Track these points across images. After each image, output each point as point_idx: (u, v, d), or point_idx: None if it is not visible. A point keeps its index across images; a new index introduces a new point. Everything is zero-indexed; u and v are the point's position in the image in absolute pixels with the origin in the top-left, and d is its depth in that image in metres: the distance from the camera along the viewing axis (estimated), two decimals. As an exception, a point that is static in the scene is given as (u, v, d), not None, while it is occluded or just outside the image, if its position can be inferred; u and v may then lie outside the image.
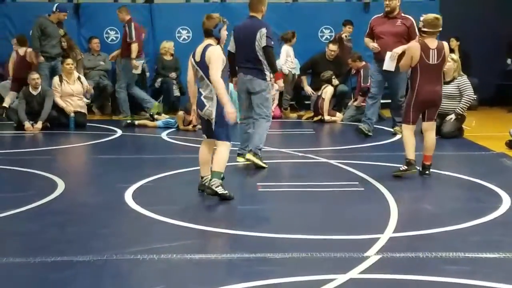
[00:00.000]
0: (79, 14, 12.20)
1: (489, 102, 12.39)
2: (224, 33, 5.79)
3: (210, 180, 5.74)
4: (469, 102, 9.02)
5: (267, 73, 7.06)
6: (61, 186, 6.20)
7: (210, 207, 5.72)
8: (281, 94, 10.90)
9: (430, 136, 6.56)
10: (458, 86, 8.93)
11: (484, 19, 12.49)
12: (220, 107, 5.66)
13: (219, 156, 5.75)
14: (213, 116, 5.70)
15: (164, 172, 6.78)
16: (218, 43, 5.79)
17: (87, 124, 10.19)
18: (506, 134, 8.29)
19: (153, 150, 8.37)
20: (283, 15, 11.89)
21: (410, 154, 6.43)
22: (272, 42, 6.97)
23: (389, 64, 8.51)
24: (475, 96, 11.47)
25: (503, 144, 8.15)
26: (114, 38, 12.24)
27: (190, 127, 9.61)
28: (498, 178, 6.45)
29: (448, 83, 8.90)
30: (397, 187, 6.13)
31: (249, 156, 6.96)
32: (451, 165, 7.36)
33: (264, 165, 6.95)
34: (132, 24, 10.78)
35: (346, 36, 11.67)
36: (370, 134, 8.96)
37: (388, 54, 8.48)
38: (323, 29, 12.38)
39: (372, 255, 4.26)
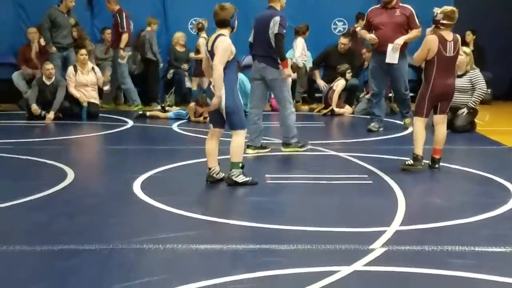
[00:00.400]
0: (92, 4, 12.24)
1: (504, 96, 12.28)
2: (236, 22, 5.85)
3: (230, 171, 5.81)
4: (482, 96, 8.95)
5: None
6: (70, 175, 6.24)
7: (217, 198, 5.74)
8: (293, 86, 10.86)
9: (441, 130, 6.52)
10: (471, 79, 8.86)
11: (500, 12, 12.38)
12: (230, 96, 5.68)
13: (235, 145, 5.79)
14: (223, 105, 5.71)
15: (174, 163, 6.80)
16: (232, 32, 5.83)
17: (100, 114, 10.24)
18: (519, 129, 8.23)
19: (163, 141, 8.39)
20: (296, 7, 11.80)
21: (419, 149, 6.39)
22: (284, 31, 7.02)
23: (392, 56, 8.33)
24: (488, 90, 11.41)
25: (516, 138, 8.11)
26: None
27: (201, 118, 9.62)
28: (508, 172, 6.38)
29: (460, 76, 8.80)
30: (406, 180, 6.10)
31: (283, 149, 7.38)
32: (462, 159, 7.31)
33: (301, 149, 7.36)
34: (124, 14, 10.79)
35: (359, 29, 11.59)
36: (381, 129, 8.89)
37: (390, 46, 8.28)
38: (336, 22, 12.34)
39: (378, 248, 4.25)
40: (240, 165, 5.86)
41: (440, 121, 6.53)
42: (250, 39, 7.35)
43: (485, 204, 5.29)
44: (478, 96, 8.84)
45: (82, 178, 6.33)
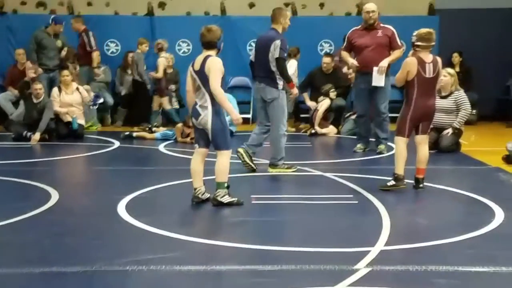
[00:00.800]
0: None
1: (489, 117, 12.39)
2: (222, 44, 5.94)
3: (215, 191, 5.82)
4: (466, 117, 9.02)
5: (280, 82, 7.28)
6: (55, 197, 6.20)
7: (202, 218, 5.72)
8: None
9: (423, 150, 6.55)
10: (456, 100, 8.93)
11: (485, 34, 12.54)
12: (217, 116, 5.72)
13: (220, 166, 5.81)
14: (209, 125, 5.73)
15: (160, 184, 6.79)
16: (217, 53, 5.90)
17: (86, 136, 10.22)
18: (503, 149, 8.27)
19: (149, 162, 8.37)
20: (282, 28, 11.92)
21: (400, 168, 6.41)
22: (285, 54, 7.27)
23: (378, 79, 8.33)
24: (474, 110, 11.52)
25: (500, 158, 8.14)
26: (115, 50, 12.31)
27: (188, 139, 9.62)
28: (492, 192, 6.42)
29: (445, 97, 8.91)
30: (391, 200, 6.12)
31: (270, 170, 7.43)
32: (447, 179, 7.33)
33: (288, 170, 7.42)
34: (90, 32, 10.87)
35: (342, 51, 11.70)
36: (367, 150, 8.88)
37: (375, 69, 8.29)
38: (323, 43, 12.42)
39: (362, 268, 4.24)
40: (226, 185, 5.86)
41: (422, 141, 6.56)
42: (252, 57, 7.58)
43: (469, 224, 5.31)
44: (463, 117, 8.91)
45: (66, 199, 6.29)
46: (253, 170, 7.38)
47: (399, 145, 6.45)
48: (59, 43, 10.92)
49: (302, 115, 11.84)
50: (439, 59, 6.48)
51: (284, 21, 7.34)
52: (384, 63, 8.31)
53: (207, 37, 5.83)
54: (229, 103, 5.85)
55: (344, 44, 8.87)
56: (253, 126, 8.38)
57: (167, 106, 11.28)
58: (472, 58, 12.29)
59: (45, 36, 10.67)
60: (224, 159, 5.82)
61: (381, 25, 8.62)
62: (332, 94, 10.83)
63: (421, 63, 6.32)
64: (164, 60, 11.18)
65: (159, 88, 11.18)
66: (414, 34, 6.41)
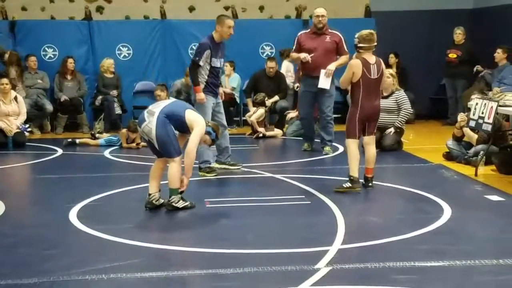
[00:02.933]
0: (14, 32, 11.93)
1: (425, 116, 12.78)
2: None
3: (169, 197, 5.84)
4: (407, 116, 9.29)
5: (201, 85, 7.31)
6: (1, 208, 6.02)
7: (158, 224, 5.68)
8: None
9: (371, 150, 6.71)
10: (396, 100, 9.18)
11: (418, 35, 12.92)
12: (164, 127, 5.68)
13: (172, 172, 5.79)
14: (153, 133, 5.69)
15: (109, 191, 6.69)
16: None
17: (27, 143, 9.95)
18: (442, 146, 8.56)
19: (96, 169, 8.23)
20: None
21: (355, 171, 6.50)
22: (197, 58, 7.26)
23: (324, 82, 8.48)
24: (412, 110, 11.86)
25: (441, 155, 8.42)
26: (52, 56, 12.03)
27: (133, 144, 9.53)
28: (438, 188, 6.65)
29: (386, 97, 9.15)
30: (342, 199, 6.23)
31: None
32: (393, 177, 7.54)
33: (209, 175, 7.42)
34: None
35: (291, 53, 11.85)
36: (313, 146, 9.09)
37: (323, 72, 8.43)
38: (264, 46, 12.51)
39: (323, 267, 4.31)
40: (179, 191, 5.85)
41: (370, 142, 6.71)
42: None
43: (420, 220, 5.47)
44: (404, 116, 9.17)
45: (14, 210, 6.12)
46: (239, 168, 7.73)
47: (351, 147, 6.54)
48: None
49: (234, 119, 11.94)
50: (381, 60, 6.64)
51: (220, 29, 7.32)
52: (332, 66, 8.47)
53: None
54: (191, 170, 5.89)
55: (294, 47, 8.96)
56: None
57: None
58: (406, 59, 12.64)
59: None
60: (175, 165, 5.80)
61: (330, 30, 8.79)
62: (268, 102, 11.01)
63: (366, 64, 6.43)
64: None
65: None
66: (356, 36, 6.51)
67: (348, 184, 6.50)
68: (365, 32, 6.51)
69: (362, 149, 6.96)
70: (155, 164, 5.95)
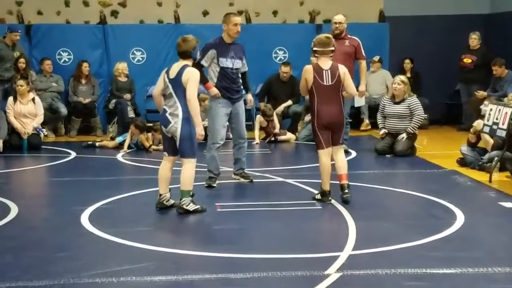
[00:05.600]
0: (30, 35, 12.02)
1: (440, 121, 12.70)
2: (198, 54, 6.08)
3: (180, 199, 5.82)
4: (420, 121, 9.23)
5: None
6: (14, 210, 6.06)
7: (168, 228, 5.69)
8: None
9: (340, 156, 6.32)
10: (409, 106, 9.14)
11: (432, 40, 12.84)
12: (186, 125, 5.75)
13: (185, 174, 5.81)
14: (178, 133, 5.76)
15: (121, 194, 6.72)
16: (193, 63, 5.99)
17: (41, 146, 10.00)
18: (456, 152, 8.50)
19: (108, 172, 8.26)
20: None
21: (326, 184, 6.24)
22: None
23: (359, 101, 9.20)
24: (425, 115, 11.80)
25: (454, 161, 8.36)
26: (67, 60, 12.10)
27: (125, 146, 9.62)
28: (451, 195, 6.60)
29: (398, 103, 9.14)
30: (354, 205, 6.18)
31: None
32: (406, 183, 7.50)
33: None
34: None
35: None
36: None
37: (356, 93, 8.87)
38: (277, 50, 12.51)
39: (333, 273, 4.29)
40: (191, 193, 5.86)
41: (338, 151, 6.33)
42: None
43: (432, 227, 5.43)
44: (417, 122, 9.12)
45: (26, 212, 6.15)
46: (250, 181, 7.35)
47: (322, 159, 6.24)
48: (16, 54, 10.70)
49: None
50: (340, 66, 6.25)
51: (226, 27, 7.09)
52: (362, 87, 8.92)
53: (182, 47, 5.91)
54: (199, 116, 5.80)
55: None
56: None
57: None
58: (421, 64, 12.57)
59: (3, 47, 10.45)
60: (189, 167, 5.82)
61: (348, 35, 9.08)
62: (281, 106, 11.06)
63: (318, 70, 6.15)
64: None
65: None
66: (313, 40, 6.30)
67: (318, 196, 6.31)
68: (321, 36, 6.33)
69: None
70: (163, 165, 5.99)
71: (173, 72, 5.84)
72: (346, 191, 6.23)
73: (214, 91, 7.02)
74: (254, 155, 9.26)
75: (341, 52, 8.70)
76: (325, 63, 6.20)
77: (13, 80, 10.51)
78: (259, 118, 10.71)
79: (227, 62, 7.06)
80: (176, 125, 5.78)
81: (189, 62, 5.89)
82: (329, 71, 6.16)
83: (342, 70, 6.23)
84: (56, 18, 12.55)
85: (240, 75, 7.22)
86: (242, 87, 7.29)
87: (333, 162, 6.35)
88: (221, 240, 5.21)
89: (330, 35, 6.38)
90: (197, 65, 6.82)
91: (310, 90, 6.18)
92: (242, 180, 7.37)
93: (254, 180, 7.41)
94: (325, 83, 6.14)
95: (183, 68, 5.81)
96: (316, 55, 6.24)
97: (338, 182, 6.32)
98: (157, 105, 6.12)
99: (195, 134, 5.82)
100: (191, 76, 5.75)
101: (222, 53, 7.03)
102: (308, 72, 6.16)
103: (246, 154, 7.39)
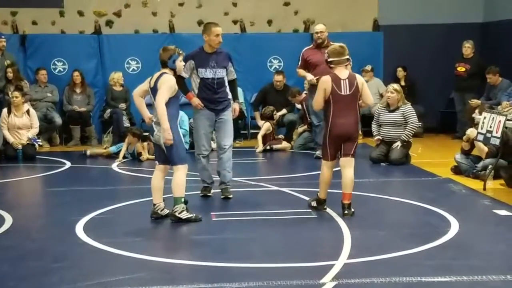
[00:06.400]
0: (25, 45, 12.04)
1: (435, 129, 12.74)
2: (179, 64, 5.99)
3: (173, 207, 5.81)
4: (414, 129, 9.27)
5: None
6: (8, 221, 6.05)
7: (163, 238, 5.68)
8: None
9: (348, 173, 6.09)
10: (403, 114, 9.17)
11: (426, 48, 12.91)
12: (172, 133, 5.74)
13: (176, 181, 5.82)
14: (161, 141, 5.80)
15: (115, 204, 6.71)
16: (175, 73, 5.95)
17: (36, 156, 10.00)
18: (451, 160, 8.52)
19: (103, 182, 8.26)
20: (232, 45, 11.96)
21: (323, 193, 6.20)
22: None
23: None
24: (420, 123, 11.85)
25: (449, 169, 8.38)
26: (62, 70, 12.12)
27: (121, 154, 9.63)
28: (445, 203, 6.61)
29: (393, 111, 9.18)
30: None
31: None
32: (400, 191, 7.51)
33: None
34: None
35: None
36: None
37: None
38: (272, 59, 12.55)
39: (328, 282, 4.29)
40: (183, 200, 5.86)
41: (347, 164, 6.10)
42: None
43: (427, 235, 5.44)
44: (411, 130, 9.15)
45: (21, 222, 6.14)
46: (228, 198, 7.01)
47: (323, 169, 6.17)
48: (7, 62, 10.69)
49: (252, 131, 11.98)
50: (357, 76, 6.18)
51: (208, 38, 6.84)
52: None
53: (160, 56, 6.00)
54: (166, 121, 5.70)
55: (299, 63, 9.38)
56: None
57: None
58: (415, 72, 12.62)
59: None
60: (179, 174, 5.83)
61: (331, 43, 8.85)
62: (276, 116, 11.08)
63: (336, 79, 6.02)
64: None
65: None
66: (326, 51, 6.19)
67: (314, 204, 6.29)
68: (335, 46, 6.21)
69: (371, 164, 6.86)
70: (155, 174, 6.01)
71: (153, 81, 5.90)
72: (346, 211, 6.08)
73: (195, 101, 6.87)
74: (250, 163, 9.26)
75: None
76: (342, 73, 6.07)
77: (5, 90, 10.50)
78: (266, 126, 10.71)
79: (206, 73, 6.82)
80: (159, 133, 5.79)
81: (168, 70, 5.91)
82: (347, 80, 6.03)
83: (360, 80, 6.14)
84: (51, 28, 12.59)
85: (226, 84, 6.99)
86: (229, 96, 7.02)
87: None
88: (216, 249, 5.20)
89: (343, 44, 6.21)
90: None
91: (326, 101, 6.04)
92: (223, 196, 7.01)
93: (250, 189, 7.40)
94: (342, 93, 6.00)
95: (160, 76, 5.85)
96: (331, 65, 6.11)
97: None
98: (137, 107, 6.18)
99: (181, 140, 5.86)
100: (164, 82, 5.76)
101: (200, 64, 6.82)
102: (327, 82, 6.03)
103: (230, 166, 7.02)
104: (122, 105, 11.58)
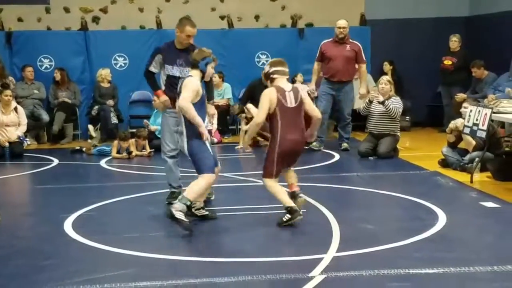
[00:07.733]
0: (11, 42, 11.97)
1: (422, 123, 12.81)
2: (210, 69, 5.76)
3: (176, 200, 5.63)
4: (397, 110, 9.12)
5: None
6: (-3, 218, 6.04)
7: (152, 234, 5.66)
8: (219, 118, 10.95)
9: (289, 171, 5.97)
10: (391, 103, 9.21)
11: (413, 42, 12.98)
12: (189, 142, 5.58)
13: (194, 185, 5.58)
14: (185, 150, 5.65)
15: (104, 201, 6.70)
16: (203, 77, 5.77)
17: (24, 154, 9.95)
18: (438, 153, 8.57)
19: (91, 179, 8.25)
20: (219, 41, 12.01)
21: (287, 201, 5.70)
22: (147, 63, 6.41)
23: (359, 103, 9.96)
24: (407, 117, 11.89)
25: (436, 163, 8.44)
26: (48, 66, 12.07)
27: (124, 155, 9.52)
28: (433, 196, 6.65)
29: (382, 102, 9.19)
30: (338, 207, 6.23)
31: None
32: (389, 184, 7.54)
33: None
34: None
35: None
36: (322, 148, 9.87)
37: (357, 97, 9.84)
38: (260, 55, 12.55)
39: (317, 275, 4.31)
40: (188, 203, 5.58)
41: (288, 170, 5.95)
42: None
43: (415, 227, 5.47)
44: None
45: (9, 220, 6.12)
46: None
47: (270, 185, 5.79)
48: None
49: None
50: (299, 89, 5.82)
51: (179, 34, 6.32)
52: (363, 90, 9.78)
53: (194, 56, 5.75)
54: (196, 116, 5.45)
55: (317, 54, 9.95)
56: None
57: None
58: (402, 67, 12.68)
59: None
60: (201, 181, 5.57)
61: (350, 40, 9.81)
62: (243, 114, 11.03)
63: (281, 91, 5.65)
64: None
65: None
66: (267, 64, 5.88)
67: (288, 216, 5.64)
68: (274, 59, 5.95)
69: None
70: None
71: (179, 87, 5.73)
72: (301, 196, 5.90)
73: (163, 98, 6.35)
74: (237, 159, 9.27)
75: (342, 57, 9.70)
76: (286, 84, 5.73)
77: None
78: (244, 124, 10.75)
79: (173, 70, 6.34)
80: (182, 143, 5.67)
81: (195, 73, 5.68)
82: (291, 92, 5.68)
83: (303, 92, 5.84)
84: (37, 25, 12.53)
85: None
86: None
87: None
88: (205, 245, 5.22)
89: (281, 59, 5.91)
90: (149, 72, 6.42)
91: (272, 115, 5.61)
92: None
93: (238, 185, 7.41)
94: (289, 105, 5.63)
95: (185, 78, 5.71)
96: (274, 76, 5.71)
97: (323, 185, 6.34)
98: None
99: (204, 148, 5.59)
100: (186, 84, 5.55)
101: (168, 60, 6.33)
102: (272, 93, 5.61)
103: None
104: (110, 102, 11.54)
